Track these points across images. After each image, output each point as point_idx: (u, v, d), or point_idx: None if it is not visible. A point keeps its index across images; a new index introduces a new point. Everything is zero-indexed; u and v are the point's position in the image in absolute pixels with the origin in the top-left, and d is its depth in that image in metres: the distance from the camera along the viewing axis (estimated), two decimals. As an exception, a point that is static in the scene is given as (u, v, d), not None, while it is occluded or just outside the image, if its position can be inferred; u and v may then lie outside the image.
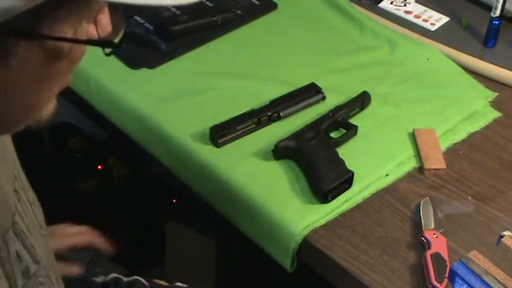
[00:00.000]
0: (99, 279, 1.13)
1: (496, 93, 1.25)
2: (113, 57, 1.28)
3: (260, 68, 1.28)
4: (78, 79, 1.27)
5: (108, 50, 0.66)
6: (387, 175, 1.10)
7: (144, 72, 1.26)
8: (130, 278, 1.14)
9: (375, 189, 1.08)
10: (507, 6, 1.31)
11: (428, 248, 0.97)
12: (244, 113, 1.15)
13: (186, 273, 1.45)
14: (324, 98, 1.21)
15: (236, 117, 1.15)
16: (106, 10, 0.64)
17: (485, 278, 0.87)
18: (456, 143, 1.16)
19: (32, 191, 0.84)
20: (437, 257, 0.96)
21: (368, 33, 1.36)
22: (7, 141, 0.81)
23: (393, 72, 1.28)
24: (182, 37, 1.32)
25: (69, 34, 0.60)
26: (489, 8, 1.32)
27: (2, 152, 0.78)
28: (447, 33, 1.37)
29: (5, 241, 0.75)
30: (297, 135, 1.12)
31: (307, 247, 1.01)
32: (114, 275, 1.14)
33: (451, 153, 1.15)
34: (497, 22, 1.31)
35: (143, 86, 1.23)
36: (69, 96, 1.31)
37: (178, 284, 1.17)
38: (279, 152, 1.10)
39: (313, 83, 1.22)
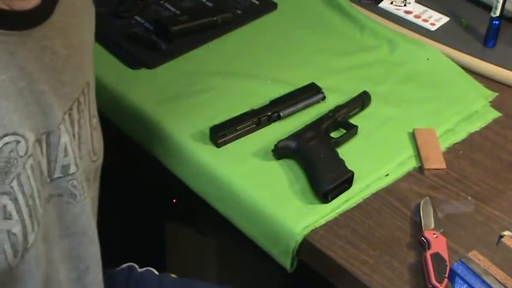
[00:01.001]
0: (117, 269, 1.17)
1: (496, 93, 1.25)
2: (113, 57, 1.28)
3: (260, 68, 1.28)
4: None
5: None
6: (387, 175, 1.10)
7: (144, 72, 1.26)
8: (143, 269, 1.18)
9: (375, 189, 1.08)
10: (507, 6, 1.31)
11: (428, 248, 0.97)
12: (244, 113, 1.15)
13: (186, 273, 1.45)
14: (324, 98, 1.21)
15: (236, 117, 1.15)
16: None
17: (485, 278, 0.87)
18: (456, 143, 1.16)
19: (98, 121, 0.93)
20: (437, 257, 0.96)
21: (368, 33, 1.36)
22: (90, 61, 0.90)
23: (393, 72, 1.28)
24: (182, 37, 1.32)
25: None
26: (489, 8, 1.33)
27: (80, 64, 0.87)
28: (447, 33, 1.37)
29: (59, 128, 0.82)
30: (297, 135, 1.12)
31: (307, 247, 1.01)
32: (129, 263, 1.19)
33: (451, 153, 1.15)
34: (497, 22, 1.31)
35: (143, 86, 1.23)
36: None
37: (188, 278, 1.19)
38: (279, 152, 1.10)
39: (313, 83, 1.22)
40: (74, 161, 0.86)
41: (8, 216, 0.77)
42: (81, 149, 0.88)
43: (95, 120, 0.93)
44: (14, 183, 0.76)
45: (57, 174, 0.85)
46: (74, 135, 0.86)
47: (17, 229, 0.78)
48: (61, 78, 0.83)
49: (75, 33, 0.86)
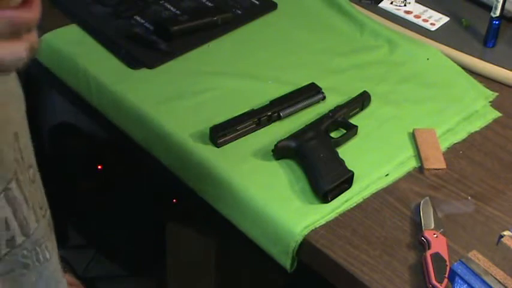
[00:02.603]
0: None
1: (496, 93, 1.25)
2: (113, 57, 1.28)
3: (260, 68, 1.28)
4: (78, 79, 1.27)
5: None
6: (387, 175, 1.10)
7: (144, 72, 1.26)
8: None
9: (375, 189, 1.08)
10: (507, 6, 1.31)
11: (428, 248, 0.97)
12: (244, 113, 1.15)
13: (186, 273, 1.45)
14: (324, 98, 1.21)
15: (236, 117, 1.15)
16: None
17: (485, 278, 0.87)
18: (456, 143, 1.16)
19: (36, 170, 0.83)
20: (437, 257, 0.96)
21: (368, 33, 1.36)
22: (13, 104, 0.78)
23: (393, 72, 1.28)
24: (182, 37, 1.32)
25: None
26: (489, 8, 1.33)
27: (5, 116, 0.75)
28: (447, 33, 1.37)
29: None
30: (297, 135, 1.12)
31: (307, 247, 1.01)
32: None
33: (451, 153, 1.15)
34: (497, 22, 1.31)
35: (143, 86, 1.23)
36: (69, 96, 1.31)
37: None
38: (279, 152, 1.10)
39: (313, 83, 1.22)
40: (21, 232, 0.78)
41: None
42: (31, 212, 0.79)
43: (32, 171, 0.82)
44: None
45: (3, 251, 0.77)
46: (25, 201, 0.78)
47: None
48: None
49: None
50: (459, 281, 0.88)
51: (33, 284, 0.83)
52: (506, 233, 0.89)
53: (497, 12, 1.30)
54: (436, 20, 1.39)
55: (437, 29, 1.38)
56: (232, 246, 1.35)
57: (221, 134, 1.12)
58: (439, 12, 1.41)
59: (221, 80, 1.25)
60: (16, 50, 0.59)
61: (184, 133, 1.14)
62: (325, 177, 1.05)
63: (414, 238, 1.01)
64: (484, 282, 0.87)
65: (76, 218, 1.84)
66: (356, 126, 1.15)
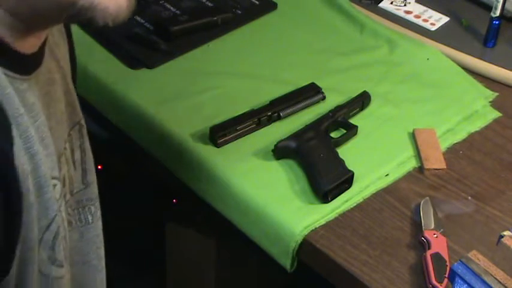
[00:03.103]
0: None
1: (496, 93, 1.25)
2: (112, 57, 1.28)
3: (260, 68, 1.28)
4: (78, 79, 1.27)
5: None
6: (387, 175, 1.10)
7: (144, 72, 1.26)
8: None
9: (374, 189, 1.08)
10: (507, 6, 1.31)
11: (428, 248, 0.97)
12: (244, 113, 1.15)
13: (186, 273, 1.45)
14: (324, 98, 1.21)
15: (236, 117, 1.15)
16: None
17: (485, 278, 0.87)
18: (456, 143, 1.16)
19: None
20: (437, 257, 0.96)
21: (368, 33, 1.36)
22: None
23: (393, 72, 1.28)
24: (182, 37, 1.32)
25: None
26: (489, 8, 1.33)
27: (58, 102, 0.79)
28: (447, 33, 1.37)
29: (60, 162, 0.77)
30: (297, 135, 1.12)
31: (307, 247, 1.01)
32: None
33: (451, 153, 1.15)
34: (497, 22, 1.31)
35: (143, 86, 1.23)
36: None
37: None
38: (279, 152, 1.10)
39: (313, 83, 1.22)
40: (68, 189, 0.82)
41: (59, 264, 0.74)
42: (77, 175, 0.84)
43: (82, 131, 0.87)
44: (59, 236, 0.72)
45: (64, 205, 0.80)
46: (73, 165, 0.82)
47: (62, 272, 0.75)
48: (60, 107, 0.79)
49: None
50: (459, 281, 0.88)
51: (75, 241, 0.86)
52: (506, 233, 0.89)
53: (497, 12, 1.30)
54: (436, 20, 1.39)
55: (437, 29, 1.38)
56: (232, 246, 1.35)
57: (221, 134, 1.12)
58: (439, 12, 1.41)
59: (221, 80, 1.25)
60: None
61: (184, 133, 1.14)
62: (325, 177, 1.05)
63: (414, 238, 1.01)
64: (484, 282, 0.87)
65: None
66: (356, 126, 1.15)
